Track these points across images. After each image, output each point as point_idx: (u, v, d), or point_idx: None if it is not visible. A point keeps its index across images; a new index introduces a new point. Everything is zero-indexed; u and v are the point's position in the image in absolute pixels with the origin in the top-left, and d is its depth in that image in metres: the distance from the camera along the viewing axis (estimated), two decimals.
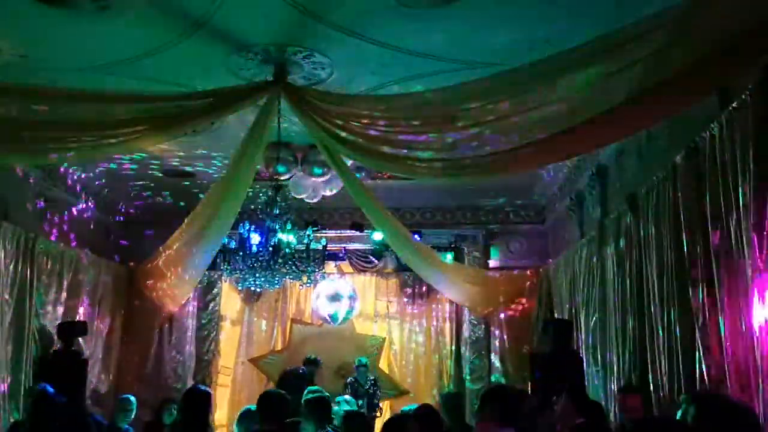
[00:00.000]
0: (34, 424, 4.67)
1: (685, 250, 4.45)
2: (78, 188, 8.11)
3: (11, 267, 6.27)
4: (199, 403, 4.35)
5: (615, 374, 5.89)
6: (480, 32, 4.80)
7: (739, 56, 3.56)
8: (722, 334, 3.93)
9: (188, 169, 8.02)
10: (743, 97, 3.78)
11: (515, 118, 4.71)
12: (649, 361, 5.05)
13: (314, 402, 4.94)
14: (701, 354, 4.17)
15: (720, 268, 4.01)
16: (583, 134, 4.48)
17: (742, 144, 3.78)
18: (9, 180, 6.59)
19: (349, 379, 9.36)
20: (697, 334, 4.23)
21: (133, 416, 6.98)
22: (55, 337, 7.07)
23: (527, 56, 4.32)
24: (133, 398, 7.19)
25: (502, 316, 9.40)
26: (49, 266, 7.10)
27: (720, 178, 4.00)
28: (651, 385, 4.98)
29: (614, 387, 5.90)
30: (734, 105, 3.88)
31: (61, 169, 7.64)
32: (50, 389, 5.78)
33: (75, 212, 8.12)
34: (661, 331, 4.82)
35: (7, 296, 6.19)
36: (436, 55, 5.09)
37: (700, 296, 4.21)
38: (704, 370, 4.12)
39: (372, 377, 9.42)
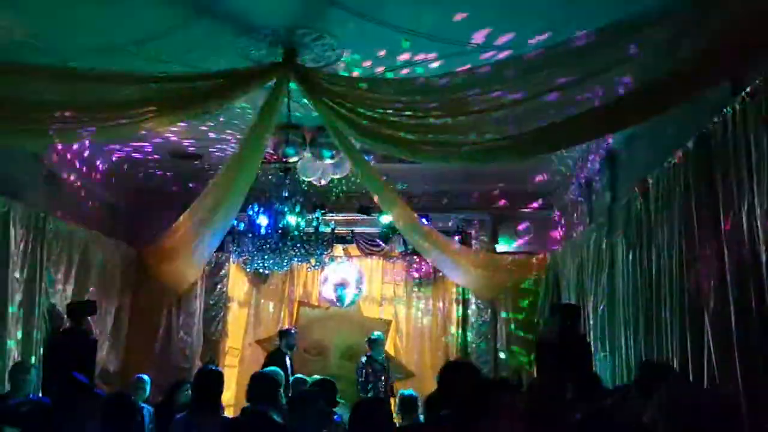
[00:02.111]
0: (62, 407, 4.69)
1: (696, 236, 4.44)
2: (87, 169, 8.13)
3: (21, 247, 6.31)
4: (212, 382, 4.42)
5: (623, 360, 5.89)
6: (491, 17, 4.76)
7: (751, 43, 3.53)
8: (732, 322, 3.93)
9: (197, 150, 8.02)
10: (757, 82, 3.75)
11: (525, 104, 4.69)
12: (657, 347, 5.05)
13: (320, 385, 4.97)
14: (710, 341, 4.17)
15: (731, 255, 4.00)
16: (593, 121, 4.46)
17: (754, 130, 3.75)
18: (19, 160, 6.60)
19: (363, 359, 9.03)
20: (707, 321, 4.22)
21: (147, 395, 7.01)
22: (65, 317, 7.13)
23: (540, 41, 4.30)
24: (146, 377, 7.23)
25: (508, 300, 9.42)
26: (59, 246, 7.14)
27: (732, 165, 3.97)
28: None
29: (622, 373, 5.91)
30: (747, 91, 3.85)
31: (71, 150, 7.65)
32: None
33: (84, 192, 8.15)
34: (670, 318, 4.82)
35: (17, 276, 6.24)
36: (446, 38, 5.06)
37: (710, 283, 4.20)
38: (713, 357, 4.12)
39: (383, 355, 9.26)
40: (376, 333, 9.31)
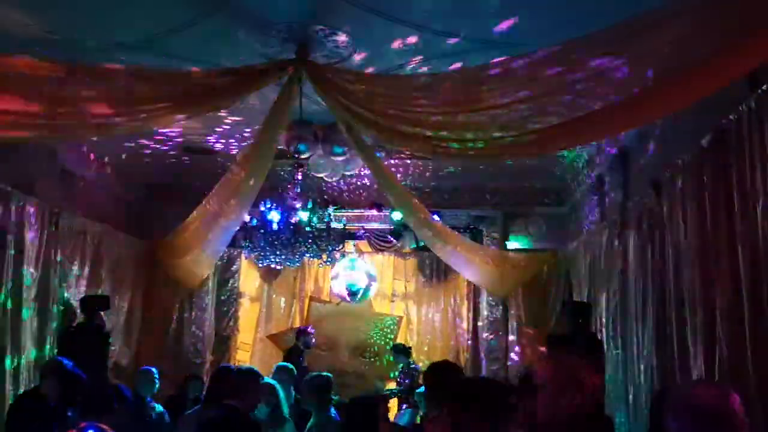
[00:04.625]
0: (59, 397, 4.81)
1: (710, 235, 4.41)
2: (101, 164, 8.18)
3: (36, 241, 6.36)
4: (227, 379, 4.55)
5: (635, 358, 5.87)
6: (505, 12, 4.74)
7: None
8: (745, 320, 3.90)
9: (210, 146, 8.05)
10: None
11: (538, 101, 4.67)
12: (670, 345, 5.03)
13: (316, 381, 4.99)
14: (723, 339, 4.14)
15: (744, 254, 3.97)
16: (608, 118, 4.44)
17: None
18: (34, 155, 6.66)
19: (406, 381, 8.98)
20: (719, 320, 4.20)
21: (157, 387, 6.98)
22: (78, 311, 7.18)
23: (551, 38, 4.26)
24: (154, 369, 7.22)
25: (519, 297, 9.42)
26: (72, 241, 7.20)
27: (747, 163, 3.94)
28: (672, 370, 4.96)
29: (635, 372, 5.89)
30: (763, 88, 3.81)
31: (85, 145, 7.70)
32: (67, 363, 5.84)
33: (98, 188, 8.21)
34: (682, 316, 4.79)
35: (32, 270, 6.29)
36: (459, 35, 5.04)
37: (724, 282, 4.17)
38: (725, 355, 4.10)
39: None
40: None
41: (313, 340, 9.19)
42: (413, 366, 9.16)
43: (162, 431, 6.21)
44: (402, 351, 9.29)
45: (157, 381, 6.70)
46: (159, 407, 6.32)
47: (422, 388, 6.79)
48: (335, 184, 7.75)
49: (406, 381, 8.85)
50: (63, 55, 4.95)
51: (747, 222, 3.92)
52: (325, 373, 5.30)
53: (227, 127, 7.37)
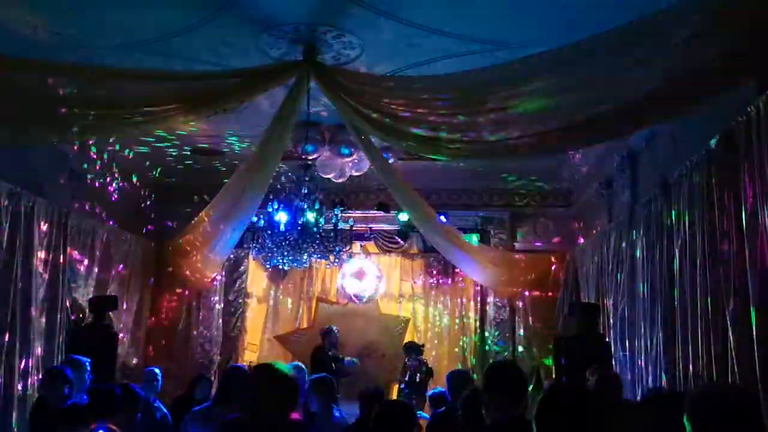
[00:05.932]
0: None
1: (718, 236, 4.39)
2: (110, 164, 8.21)
3: (45, 242, 6.39)
4: (238, 379, 4.61)
5: (643, 360, 5.85)
6: (513, 14, 4.74)
7: None
8: (753, 322, 3.88)
9: (217, 147, 8.07)
10: None
11: (545, 102, 4.67)
12: (678, 347, 5.01)
13: (320, 381, 5.06)
14: (732, 341, 4.13)
15: (752, 255, 3.95)
16: (614, 119, 4.43)
17: None
18: (43, 156, 6.69)
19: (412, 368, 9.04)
20: (728, 322, 4.18)
21: (159, 388, 6.98)
22: (87, 311, 7.21)
23: (559, 39, 4.26)
24: (158, 370, 7.23)
25: (527, 298, 9.40)
26: (81, 241, 7.23)
27: (756, 164, 3.92)
28: (680, 372, 4.95)
29: (642, 373, 5.87)
30: None
31: (94, 146, 7.73)
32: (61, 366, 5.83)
33: (107, 188, 8.24)
34: (691, 318, 4.77)
35: (41, 270, 6.32)
36: (467, 35, 5.04)
37: (732, 283, 4.16)
38: (734, 358, 4.08)
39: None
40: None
41: (337, 340, 9.17)
42: (421, 362, 9.10)
43: None
44: (413, 348, 9.27)
45: (159, 382, 6.72)
46: (163, 408, 6.33)
47: (432, 391, 6.77)
48: (342, 184, 7.75)
49: (414, 378, 8.83)
50: (70, 56, 4.98)
51: (755, 223, 3.91)
52: (326, 374, 5.34)
53: (236, 128, 7.39)
